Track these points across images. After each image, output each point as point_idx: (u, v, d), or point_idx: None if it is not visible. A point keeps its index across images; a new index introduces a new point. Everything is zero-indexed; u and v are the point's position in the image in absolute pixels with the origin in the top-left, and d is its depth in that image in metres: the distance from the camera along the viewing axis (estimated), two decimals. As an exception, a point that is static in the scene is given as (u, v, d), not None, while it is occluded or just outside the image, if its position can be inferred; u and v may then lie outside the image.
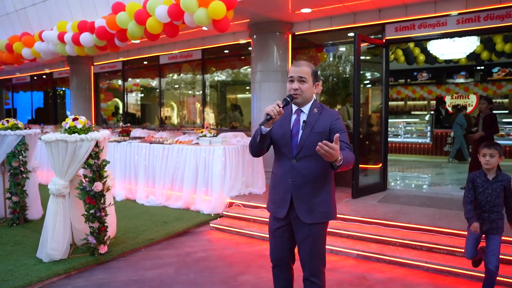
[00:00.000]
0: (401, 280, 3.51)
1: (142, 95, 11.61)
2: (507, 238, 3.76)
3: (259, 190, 6.27)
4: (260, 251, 4.29)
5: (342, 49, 7.79)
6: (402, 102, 13.32)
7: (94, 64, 10.99)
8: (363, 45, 5.94)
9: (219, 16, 5.24)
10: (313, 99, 2.26)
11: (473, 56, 8.78)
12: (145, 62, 10.25)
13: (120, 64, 10.61)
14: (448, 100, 12.47)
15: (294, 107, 2.25)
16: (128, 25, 6.01)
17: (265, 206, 2.45)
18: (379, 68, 6.61)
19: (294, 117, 2.23)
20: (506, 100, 12.24)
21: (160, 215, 5.56)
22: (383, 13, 6.17)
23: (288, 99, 2.12)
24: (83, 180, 3.87)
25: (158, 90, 10.26)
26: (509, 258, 3.67)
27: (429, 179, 7.30)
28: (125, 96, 11.10)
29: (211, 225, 5.22)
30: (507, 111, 11.23)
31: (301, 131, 2.18)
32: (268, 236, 2.42)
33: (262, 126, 2.05)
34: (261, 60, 7.09)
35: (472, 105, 11.74)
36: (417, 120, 11.50)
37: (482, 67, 11.51)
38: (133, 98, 11.52)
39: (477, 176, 3.02)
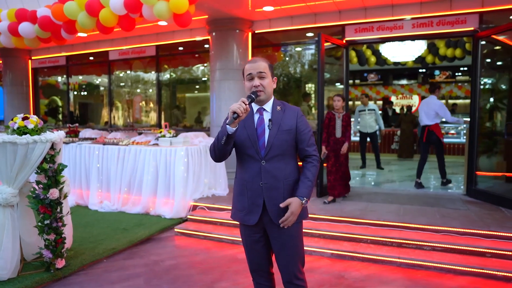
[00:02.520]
0: (377, 276, 3.55)
1: (85, 93, 10.81)
2: (507, 234, 3.93)
3: (222, 192, 6.09)
4: (233, 255, 4.12)
5: (299, 49, 7.86)
6: (351, 102, 13.85)
7: (32, 58, 10.01)
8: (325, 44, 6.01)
9: (181, 10, 4.97)
10: (273, 97, 2.20)
11: (419, 59, 9.33)
12: (91, 58, 9.55)
13: (64, 59, 9.76)
14: (394, 100, 13.18)
15: (255, 106, 2.16)
16: (78, 16, 5.50)
17: (231, 207, 2.30)
18: (334, 68, 6.73)
19: (257, 116, 2.14)
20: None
21: (118, 222, 5.16)
22: (343, 15, 6.29)
23: (253, 96, 2.03)
24: (36, 187, 3.44)
25: (105, 88, 9.60)
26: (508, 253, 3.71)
27: (383, 176, 7.58)
28: (69, 94, 10.26)
29: (175, 230, 4.94)
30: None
31: (268, 130, 2.10)
32: (239, 239, 2.30)
33: (228, 126, 1.94)
34: (220, 58, 6.91)
35: (415, 105, 12.53)
36: (366, 119, 11.98)
37: (424, 70, 12.31)
38: (74, 97, 10.66)
39: None
